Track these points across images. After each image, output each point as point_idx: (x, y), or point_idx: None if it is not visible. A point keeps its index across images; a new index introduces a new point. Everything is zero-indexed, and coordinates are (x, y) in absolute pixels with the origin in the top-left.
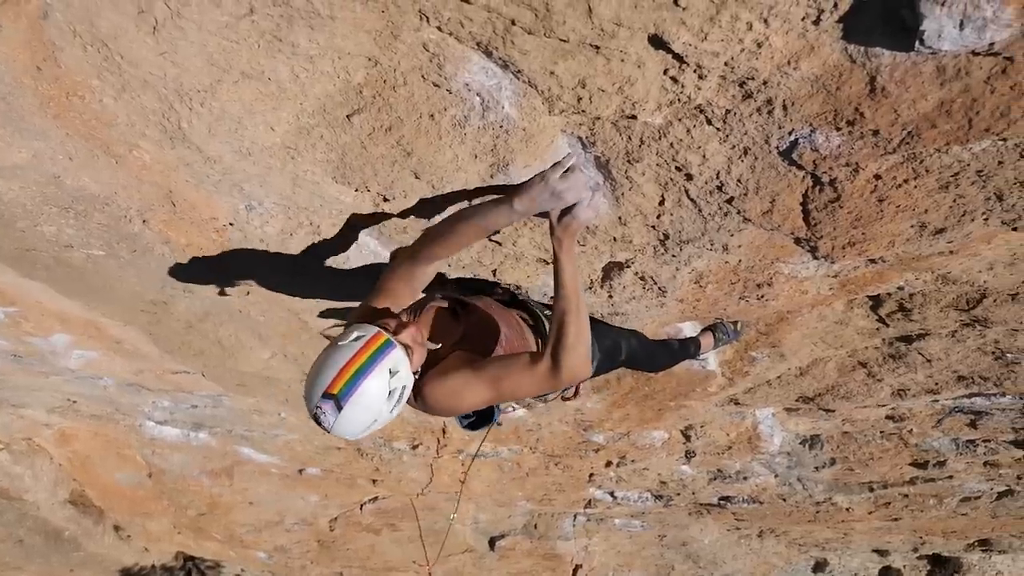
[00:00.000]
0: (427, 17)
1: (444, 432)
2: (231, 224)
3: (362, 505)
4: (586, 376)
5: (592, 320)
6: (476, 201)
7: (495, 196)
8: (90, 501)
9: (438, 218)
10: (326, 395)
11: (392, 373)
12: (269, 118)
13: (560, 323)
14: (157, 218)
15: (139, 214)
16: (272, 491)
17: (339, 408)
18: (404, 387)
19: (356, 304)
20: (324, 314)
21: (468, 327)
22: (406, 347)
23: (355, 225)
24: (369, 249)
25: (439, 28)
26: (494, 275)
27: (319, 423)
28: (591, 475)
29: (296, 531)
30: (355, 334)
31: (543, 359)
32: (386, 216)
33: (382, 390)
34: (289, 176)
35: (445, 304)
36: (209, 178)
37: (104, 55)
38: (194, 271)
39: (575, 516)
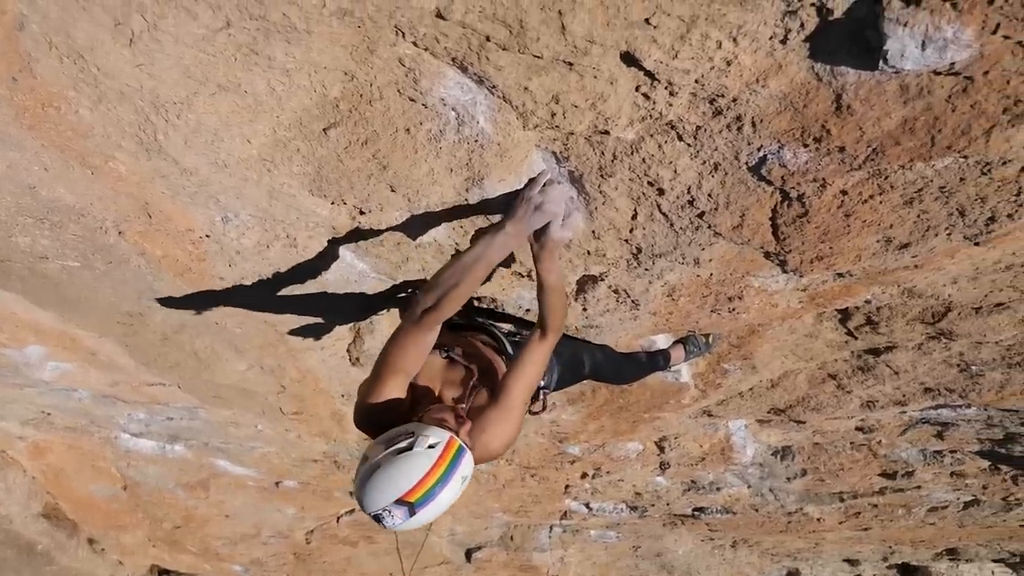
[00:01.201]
0: (403, 32)
1: None
2: (207, 236)
3: (339, 517)
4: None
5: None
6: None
7: (476, 241)
8: (64, 514)
9: (417, 232)
10: (401, 502)
11: (463, 479)
12: (246, 131)
13: (552, 305)
14: (133, 230)
15: (115, 225)
16: (248, 504)
17: (412, 514)
18: (465, 480)
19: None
20: (302, 328)
21: (477, 365)
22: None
23: (331, 238)
24: (346, 262)
25: (415, 43)
26: None
27: (378, 521)
28: (567, 487)
29: (272, 544)
30: (429, 440)
31: (546, 339)
32: (362, 229)
33: (455, 494)
34: (265, 188)
35: (454, 357)
36: (185, 190)
37: (80, 66)
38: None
39: (551, 527)
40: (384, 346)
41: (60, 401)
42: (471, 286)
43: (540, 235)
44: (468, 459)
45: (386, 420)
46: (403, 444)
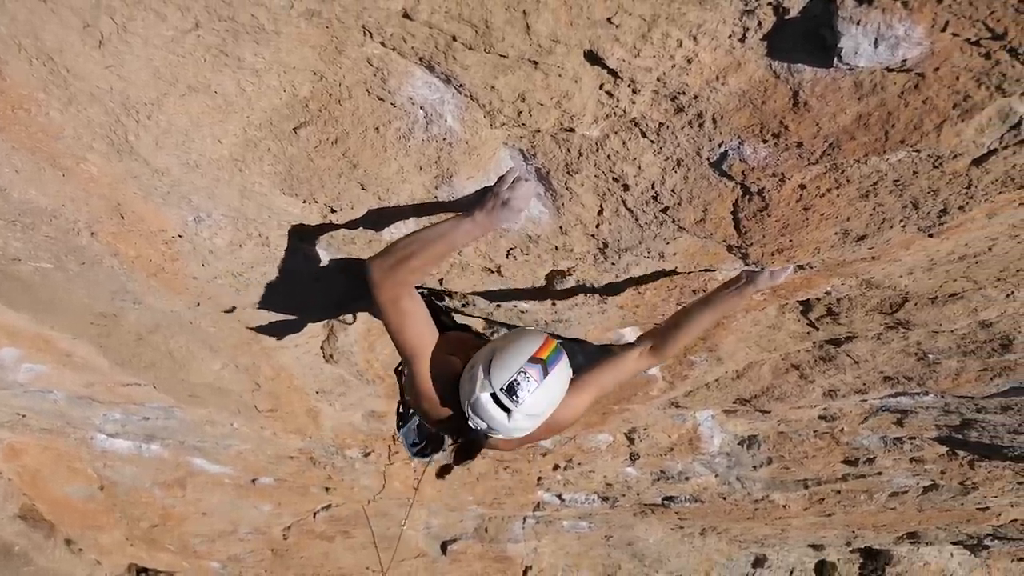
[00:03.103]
0: (370, 33)
1: (395, 439)
2: (180, 236)
3: (315, 513)
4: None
5: None
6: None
7: (450, 216)
8: (40, 515)
9: (389, 230)
10: (534, 359)
11: (569, 368)
12: (216, 131)
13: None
14: (105, 230)
15: (87, 227)
16: (225, 501)
17: (545, 373)
18: (569, 373)
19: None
20: (276, 326)
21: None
22: None
23: (304, 236)
24: (318, 260)
25: (382, 43)
26: (441, 284)
27: (512, 392)
28: (539, 479)
29: (250, 540)
30: (529, 329)
31: (653, 358)
32: (334, 227)
33: (568, 374)
34: (237, 188)
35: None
36: (157, 190)
37: (50, 68)
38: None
39: (524, 519)
40: (395, 340)
41: (35, 403)
42: (428, 260)
43: (756, 275)
44: (566, 357)
45: (453, 382)
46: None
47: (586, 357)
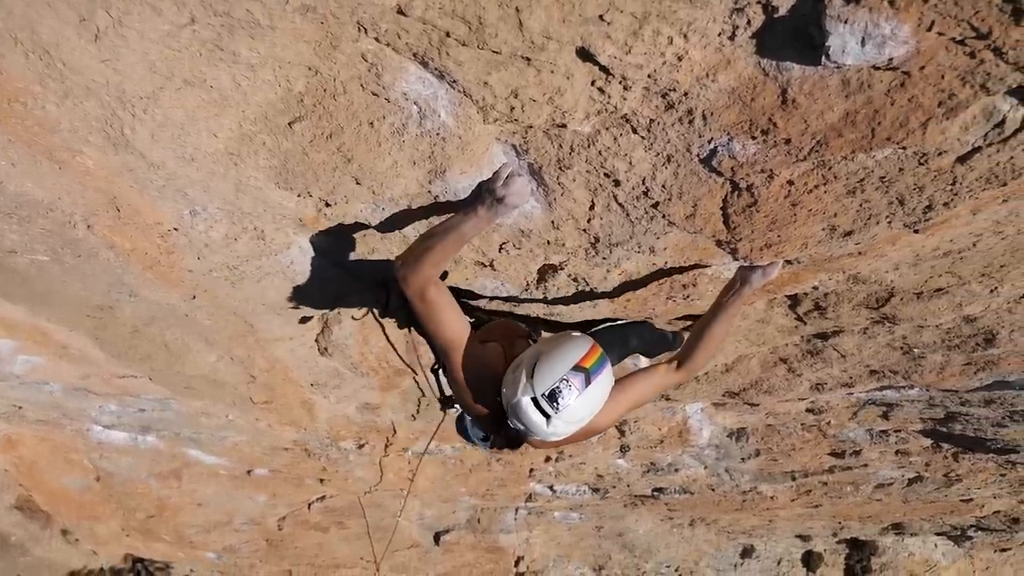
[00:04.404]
0: (365, 28)
1: (394, 431)
2: (175, 229)
3: (310, 504)
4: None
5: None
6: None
7: (452, 215)
8: (37, 506)
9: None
10: (578, 368)
11: (612, 376)
12: (212, 125)
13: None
14: (101, 223)
15: (83, 219)
16: (220, 492)
17: (588, 383)
18: (612, 381)
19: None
20: (270, 319)
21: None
22: None
23: (298, 230)
24: (312, 253)
25: (377, 39)
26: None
27: (553, 399)
28: (531, 470)
29: (245, 531)
30: (576, 334)
31: (678, 374)
32: (329, 220)
33: (610, 382)
34: (232, 182)
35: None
36: (153, 184)
37: (46, 62)
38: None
39: (516, 510)
40: (428, 333)
41: (31, 395)
42: (445, 253)
43: (749, 273)
44: (610, 365)
45: (492, 375)
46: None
47: (642, 342)
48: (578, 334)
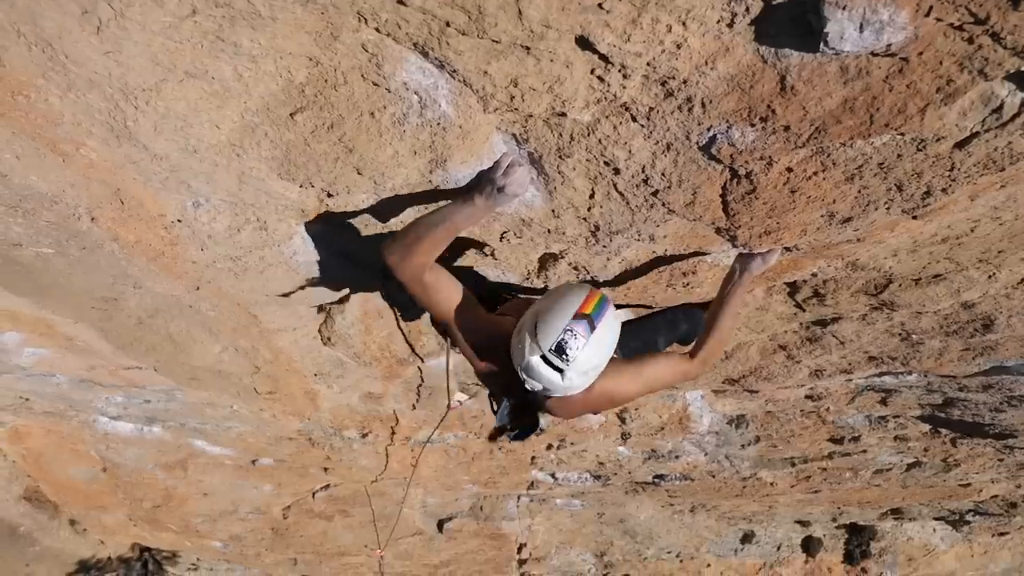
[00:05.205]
0: (365, 19)
1: (396, 420)
2: (179, 221)
3: (314, 493)
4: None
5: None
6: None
7: (446, 203)
8: (45, 496)
9: (385, 212)
10: (579, 316)
11: (617, 318)
12: (214, 116)
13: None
14: (105, 216)
15: (87, 212)
16: (226, 482)
17: (592, 328)
18: (618, 320)
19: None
20: (274, 309)
21: None
22: None
23: (300, 220)
24: (315, 243)
25: (377, 29)
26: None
27: (561, 352)
28: (533, 458)
29: (250, 520)
30: (571, 283)
31: (691, 366)
32: (331, 211)
33: (617, 325)
34: (235, 173)
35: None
36: (156, 176)
37: (49, 55)
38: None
39: (519, 497)
40: (430, 313)
41: (38, 386)
42: (436, 242)
43: (748, 261)
44: (612, 307)
45: (505, 347)
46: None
47: (691, 325)
48: (574, 283)
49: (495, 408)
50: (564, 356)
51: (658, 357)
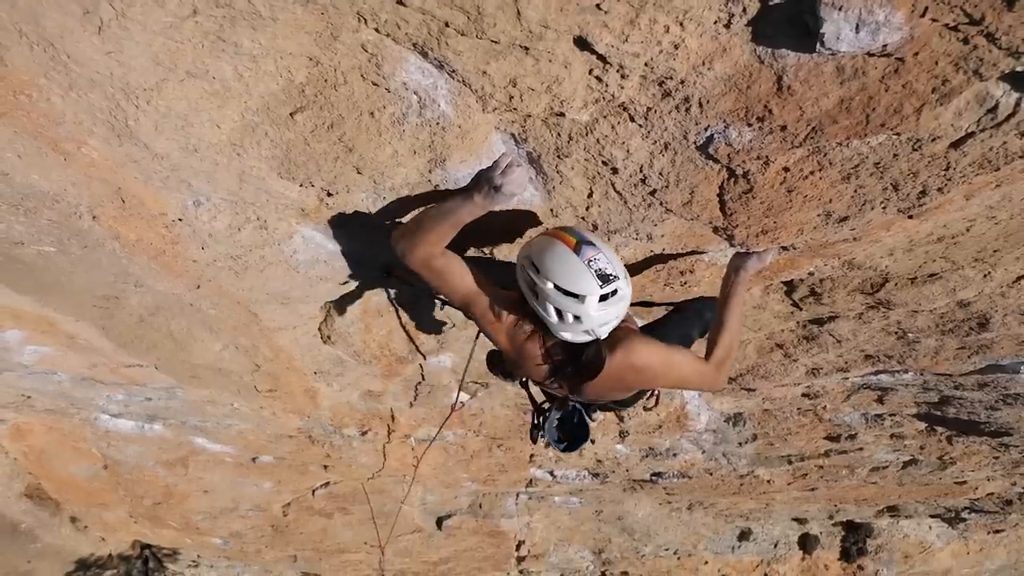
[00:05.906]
0: (365, 19)
1: (393, 418)
2: (179, 220)
3: (314, 490)
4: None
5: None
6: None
7: (450, 197)
8: (46, 494)
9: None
10: (575, 248)
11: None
12: (215, 116)
13: (730, 330)
14: (107, 214)
15: (89, 210)
16: (226, 479)
17: (591, 243)
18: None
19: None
20: (274, 308)
21: None
22: None
23: (301, 219)
24: (315, 242)
25: (376, 30)
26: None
27: (606, 277)
28: (532, 456)
29: (250, 517)
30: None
31: (708, 367)
32: (331, 210)
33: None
34: (235, 172)
35: None
36: (157, 175)
37: (51, 54)
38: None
39: (517, 495)
40: (447, 297)
41: (39, 384)
42: (442, 233)
43: (744, 260)
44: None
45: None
46: None
47: (713, 311)
48: (529, 243)
49: (537, 421)
50: (610, 277)
51: (686, 351)
